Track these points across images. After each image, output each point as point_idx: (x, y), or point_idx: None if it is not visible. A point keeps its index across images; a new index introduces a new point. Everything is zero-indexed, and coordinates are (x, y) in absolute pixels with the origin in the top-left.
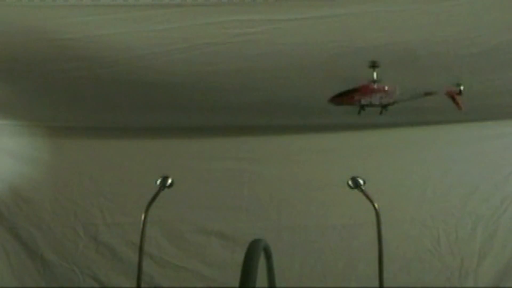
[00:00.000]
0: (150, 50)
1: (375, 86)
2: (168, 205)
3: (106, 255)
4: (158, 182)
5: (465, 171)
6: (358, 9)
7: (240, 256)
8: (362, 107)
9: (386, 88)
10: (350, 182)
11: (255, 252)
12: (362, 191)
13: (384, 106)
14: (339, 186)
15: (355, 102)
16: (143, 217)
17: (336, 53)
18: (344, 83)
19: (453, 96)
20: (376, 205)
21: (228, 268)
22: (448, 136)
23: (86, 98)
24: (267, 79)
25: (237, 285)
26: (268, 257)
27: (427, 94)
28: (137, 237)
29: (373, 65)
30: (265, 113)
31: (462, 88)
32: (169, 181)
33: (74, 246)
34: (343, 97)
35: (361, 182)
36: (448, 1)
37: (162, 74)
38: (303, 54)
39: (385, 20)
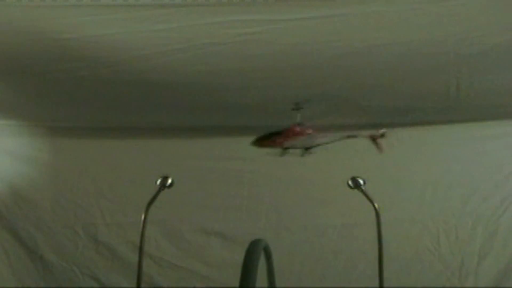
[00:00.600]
0: (150, 50)
1: (299, 129)
2: (168, 205)
3: (106, 255)
4: (158, 182)
5: (465, 171)
6: (358, 9)
7: (240, 256)
8: (285, 149)
9: (309, 131)
10: (350, 182)
11: (255, 252)
12: (362, 191)
13: (307, 149)
14: (339, 186)
15: (278, 145)
16: (143, 217)
17: (336, 53)
18: (346, 84)
19: (375, 139)
20: (376, 205)
21: (228, 268)
22: (448, 136)
23: (86, 98)
24: (267, 79)
25: (237, 285)
26: (268, 257)
27: (349, 136)
28: (137, 237)
29: (297, 107)
30: (265, 113)
31: (384, 131)
32: (169, 181)
33: (74, 246)
34: (266, 141)
35: (361, 182)
36: (448, 1)
37: (162, 74)
38: (303, 54)
39: (385, 20)
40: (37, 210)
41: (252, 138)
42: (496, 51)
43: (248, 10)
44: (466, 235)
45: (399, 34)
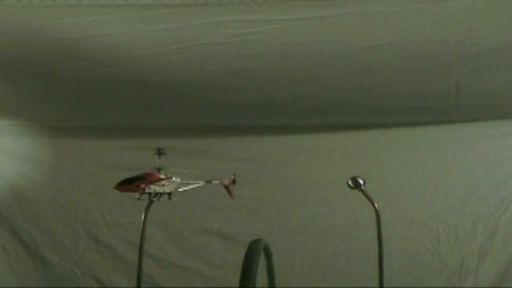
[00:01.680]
0: (150, 50)
1: (160, 174)
2: (168, 205)
3: (106, 255)
4: None
5: (465, 171)
6: (358, 9)
7: (240, 256)
8: (146, 194)
9: (170, 176)
10: (350, 182)
11: (255, 252)
12: (362, 191)
13: (167, 194)
14: (339, 186)
15: (140, 190)
16: (143, 217)
17: (336, 53)
18: (346, 84)
19: (226, 187)
20: (376, 205)
21: (228, 268)
22: (448, 136)
23: (86, 98)
24: (267, 79)
25: (237, 285)
26: (268, 257)
27: (207, 182)
28: (137, 237)
29: (159, 153)
30: (265, 113)
31: (234, 177)
32: None
33: (74, 246)
34: (129, 185)
35: (361, 182)
36: (448, 1)
37: (162, 74)
38: (303, 54)
39: (385, 20)
40: (37, 210)
41: (252, 138)
42: (496, 51)
43: (248, 10)
44: (466, 235)
45: (399, 34)
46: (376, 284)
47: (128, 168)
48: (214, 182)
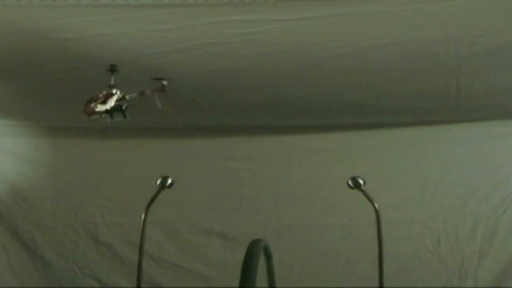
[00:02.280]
0: (150, 50)
1: (113, 91)
2: (168, 205)
3: (106, 255)
4: (158, 182)
5: (465, 171)
6: (358, 9)
7: (240, 256)
8: (109, 114)
9: (114, 92)
10: (350, 182)
11: (255, 252)
12: (362, 191)
13: (122, 111)
14: (339, 186)
15: (92, 110)
16: (143, 217)
17: (336, 53)
18: (346, 84)
19: (150, 96)
20: (376, 205)
21: (228, 268)
22: (448, 136)
23: (86, 98)
24: (267, 79)
25: (237, 285)
26: (268, 257)
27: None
28: (137, 237)
29: (112, 69)
30: (265, 113)
31: (164, 83)
32: (169, 181)
33: (75, 246)
34: (85, 107)
35: (361, 182)
36: (448, 1)
37: (162, 74)
38: (303, 54)
39: (385, 20)
40: (37, 210)
41: (252, 138)
42: (496, 51)
43: (248, 10)
44: (466, 235)
45: (399, 34)
46: (376, 284)
47: (128, 168)
48: (147, 91)
